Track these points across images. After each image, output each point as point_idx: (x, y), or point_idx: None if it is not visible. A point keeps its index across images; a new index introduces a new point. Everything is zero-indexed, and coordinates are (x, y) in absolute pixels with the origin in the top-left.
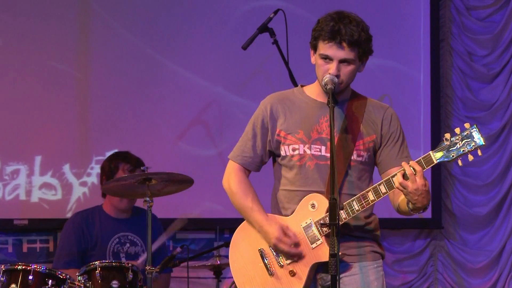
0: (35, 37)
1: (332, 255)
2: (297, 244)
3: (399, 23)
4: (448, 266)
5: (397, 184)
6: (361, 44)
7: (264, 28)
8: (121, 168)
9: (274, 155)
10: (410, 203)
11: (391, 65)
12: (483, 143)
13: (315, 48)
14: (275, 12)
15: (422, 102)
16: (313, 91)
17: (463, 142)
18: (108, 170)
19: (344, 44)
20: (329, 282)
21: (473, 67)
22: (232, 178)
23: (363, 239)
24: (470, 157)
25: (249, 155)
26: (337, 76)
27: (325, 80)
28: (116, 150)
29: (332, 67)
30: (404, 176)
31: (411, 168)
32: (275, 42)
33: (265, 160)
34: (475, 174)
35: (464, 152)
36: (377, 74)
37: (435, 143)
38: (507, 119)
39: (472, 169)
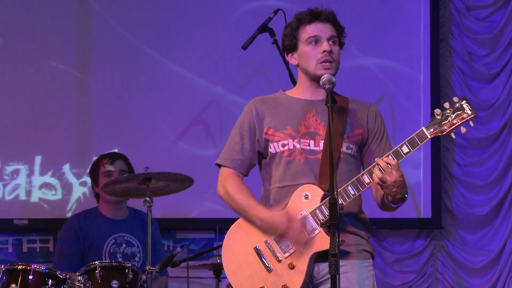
0: (35, 37)
1: (332, 255)
2: (302, 230)
3: (399, 23)
4: (448, 266)
5: (376, 180)
6: (338, 23)
7: (264, 28)
8: (101, 164)
9: (261, 156)
10: (389, 196)
11: (391, 65)
12: (475, 114)
13: (294, 46)
14: (275, 12)
15: (422, 102)
16: (296, 92)
17: (454, 114)
18: (92, 172)
19: (328, 22)
20: (321, 279)
21: (473, 67)
22: (227, 182)
23: (355, 235)
24: (463, 129)
25: (238, 158)
26: (330, 52)
27: (323, 80)
28: (116, 150)
29: (324, 44)
30: (380, 171)
31: (386, 163)
32: (275, 42)
33: (254, 162)
34: (475, 174)
35: (457, 124)
36: (377, 74)
37: (435, 143)
38: (507, 119)
39: (472, 169)
